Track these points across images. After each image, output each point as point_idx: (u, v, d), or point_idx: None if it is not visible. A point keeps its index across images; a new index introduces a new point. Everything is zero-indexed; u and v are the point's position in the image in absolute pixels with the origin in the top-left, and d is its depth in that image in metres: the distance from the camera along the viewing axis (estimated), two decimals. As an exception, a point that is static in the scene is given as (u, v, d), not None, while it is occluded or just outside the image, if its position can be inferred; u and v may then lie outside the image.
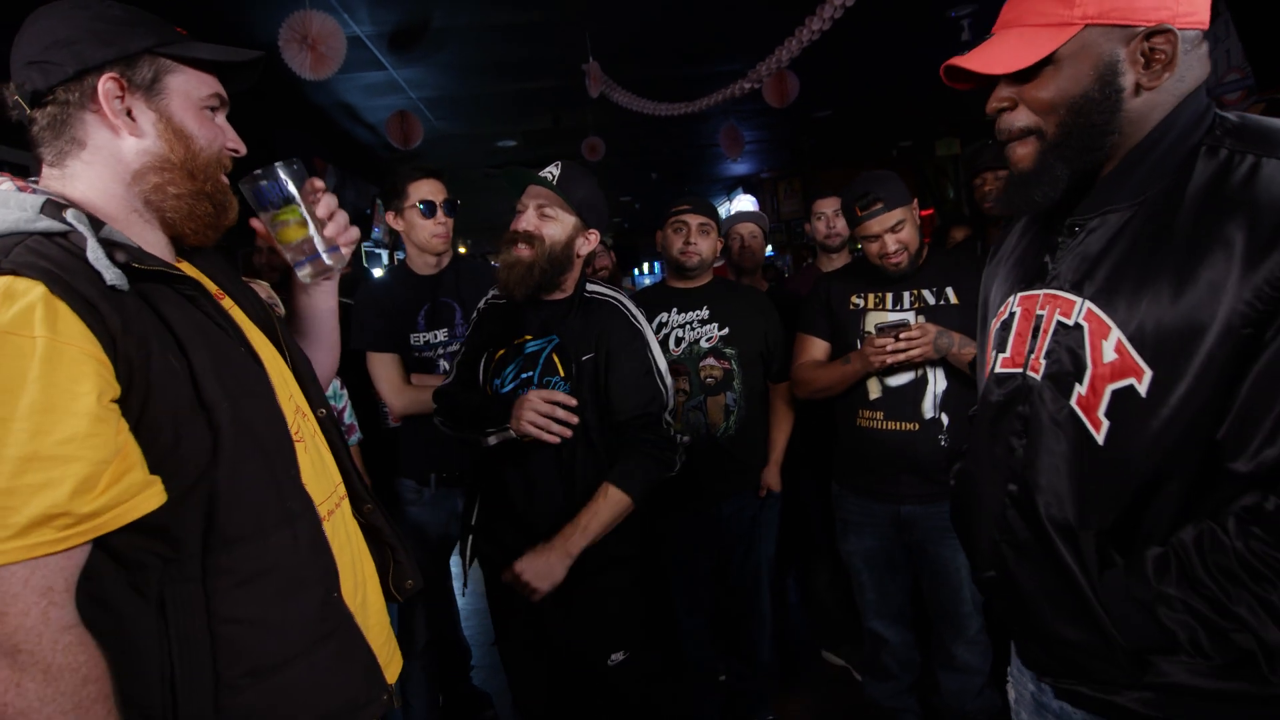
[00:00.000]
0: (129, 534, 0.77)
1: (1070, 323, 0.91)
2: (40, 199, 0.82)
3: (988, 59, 0.90)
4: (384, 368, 2.18)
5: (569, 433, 1.61)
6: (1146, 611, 0.83)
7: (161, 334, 0.82)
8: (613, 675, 1.71)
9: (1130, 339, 0.84)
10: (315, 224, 1.08)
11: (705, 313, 2.38)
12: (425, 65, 4.59)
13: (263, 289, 1.90)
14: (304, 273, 1.10)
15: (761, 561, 2.47)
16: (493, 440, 1.67)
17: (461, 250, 3.75)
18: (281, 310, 1.94)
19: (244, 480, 0.86)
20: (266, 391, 0.95)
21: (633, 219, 13.62)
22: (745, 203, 10.52)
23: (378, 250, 7.08)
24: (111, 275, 0.78)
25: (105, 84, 0.87)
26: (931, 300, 2.07)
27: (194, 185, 0.94)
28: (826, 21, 3.03)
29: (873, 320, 2.13)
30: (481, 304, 1.91)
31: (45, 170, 0.91)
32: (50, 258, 0.77)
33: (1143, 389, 0.83)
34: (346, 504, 1.09)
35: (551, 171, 1.72)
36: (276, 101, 4.88)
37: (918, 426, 2.02)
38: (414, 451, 2.25)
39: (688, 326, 2.36)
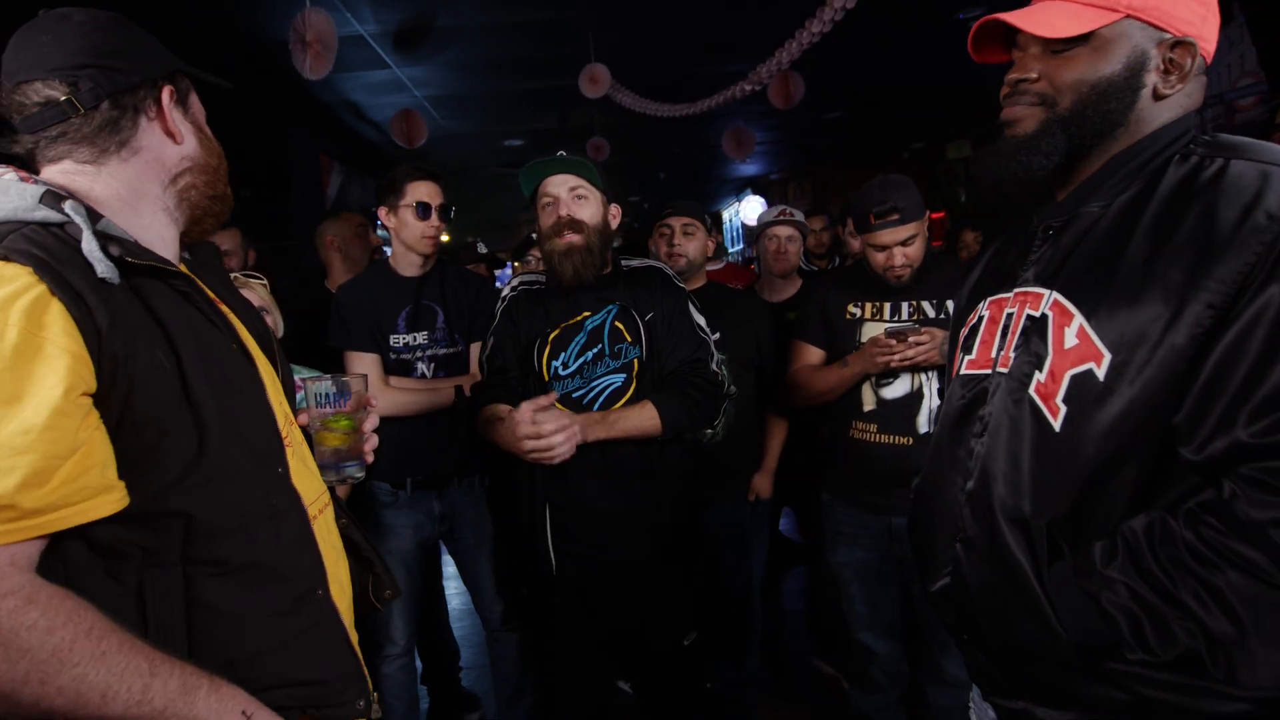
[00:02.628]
0: (110, 525, 0.77)
1: (1038, 314, 0.92)
2: (40, 189, 0.83)
3: (1036, 21, 0.90)
4: (363, 367, 2.16)
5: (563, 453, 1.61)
6: (1090, 599, 0.80)
7: (151, 330, 0.83)
8: (687, 655, 1.79)
9: (1091, 324, 0.85)
10: (359, 438, 1.15)
11: None
12: (430, 64, 4.59)
13: (255, 295, 1.89)
14: (327, 479, 1.12)
15: (753, 570, 2.45)
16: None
17: (481, 249, 3.75)
18: (276, 315, 1.94)
19: (229, 476, 0.87)
20: (257, 390, 0.96)
21: (642, 218, 13.64)
22: (756, 204, 10.47)
23: (384, 248, 7.09)
24: (103, 268, 0.78)
25: (167, 94, 0.95)
26: (931, 313, 2.03)
27: (221, 188, 1.02)
28: (827, 24, 2.99)
29: (869, 330, 2.10)
30: (508, 291, 1.90)
31: (69, 165, 0.91)
32: (43, 246, 0.78)
33: (1101, 373, 0.83)
34: (330, 511, 1.11)
35: (562, 154, 1.77)
36: (285, 99, 4.90)
37: (912, 441, 1.98)
38: (390, 455, 2.23)
39: None
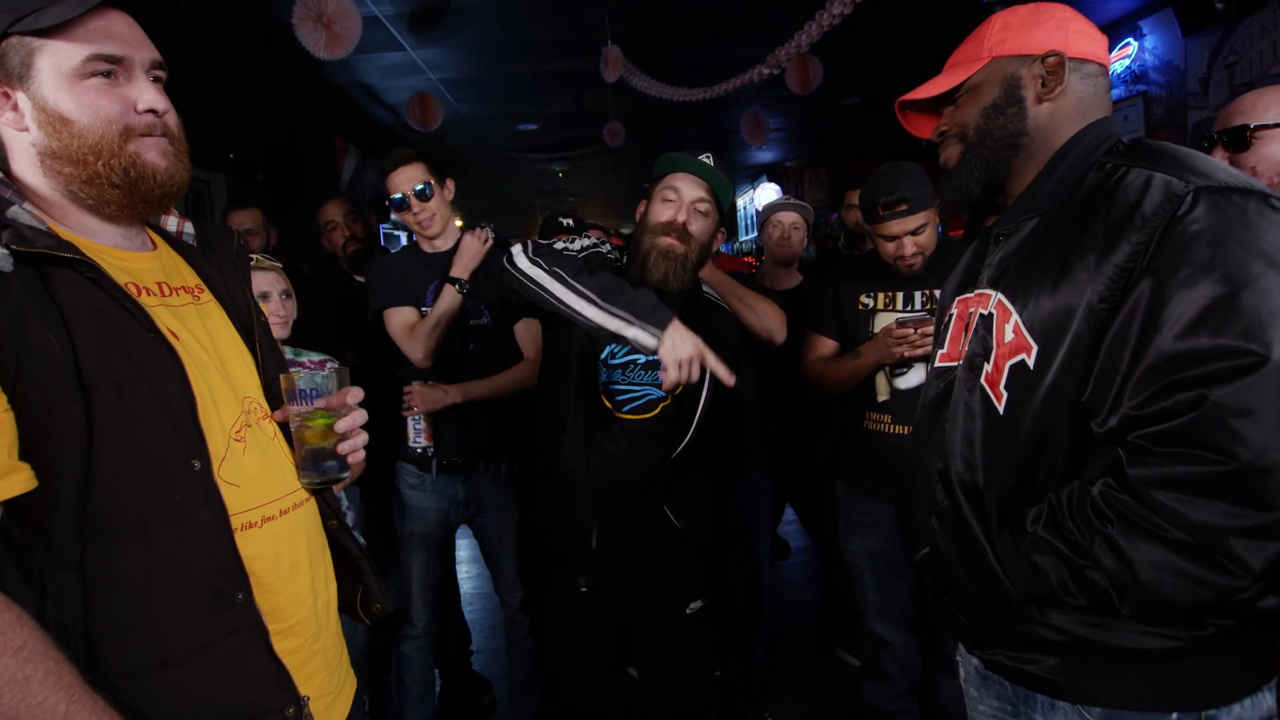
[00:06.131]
0: (14, 512, 0.77)
1: (986, 312, 1.06)
2: None
3: (923, 89, 1.12)
4: (400, 317, 2.20)
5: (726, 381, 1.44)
6: (1025, 557, 0.93)
7: (48, 314, 0.81)
8: (688, 623, 1.78)
9: (1023, 321, 0.98)
10: (336, 437, 1.07)
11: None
12: (445, 46, 4.56)
13: (271, 278, 1.91)
14: (308, 478, 1.06)
15: (759, 557, 2.44)
16: (631, 335, 1.43)
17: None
18: (292, 300, 1.95)
19: (122, 470, 0.83)
20: (171, 379, 0.89)
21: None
22: (770, 191, 10.37)
23: (396, 232, 7.10)
24: None
25: None
26: None
27: (85, 170, 0.88)
28: (848, 5, 2.93)
29: (882, 321, 2.08)
30: (601, 247, 1.77)
31: None
32: None
33: (1031, 362, 0.96)
34: (308, 509, 1.07)
35: (705, 160, 1.72)
36: (298, 81, 4.88)
37: (925, 430, 1.97)
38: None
39: None
